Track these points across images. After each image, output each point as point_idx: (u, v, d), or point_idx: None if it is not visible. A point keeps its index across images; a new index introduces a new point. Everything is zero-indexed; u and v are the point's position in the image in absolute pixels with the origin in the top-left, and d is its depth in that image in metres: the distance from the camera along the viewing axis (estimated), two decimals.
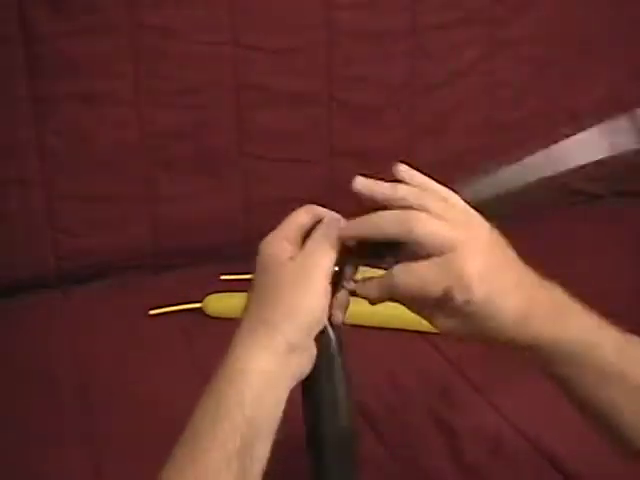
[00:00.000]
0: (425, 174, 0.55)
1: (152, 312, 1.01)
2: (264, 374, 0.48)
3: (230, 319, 1.09)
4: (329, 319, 0.52)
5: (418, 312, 0.52)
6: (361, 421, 0.81)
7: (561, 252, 1.13)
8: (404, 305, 0.52)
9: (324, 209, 0.55)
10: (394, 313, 1.00)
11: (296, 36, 1.12)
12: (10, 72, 1.00)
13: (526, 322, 0.48)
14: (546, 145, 0.57)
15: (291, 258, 0.51)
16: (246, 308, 0.51)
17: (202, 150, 1.12)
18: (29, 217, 1.06)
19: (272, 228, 0.55)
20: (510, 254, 0.50)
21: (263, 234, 1.29)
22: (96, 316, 1.02)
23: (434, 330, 0.99)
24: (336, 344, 0.54)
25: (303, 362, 0.51)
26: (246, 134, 1.14)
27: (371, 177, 0.52)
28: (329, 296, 0.51)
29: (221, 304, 1.01)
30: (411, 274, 0.48)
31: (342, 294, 0.53)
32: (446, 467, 0.75)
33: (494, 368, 0.91)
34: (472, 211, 0.51)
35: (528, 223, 1.26)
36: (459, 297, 0.47)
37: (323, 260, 0.50)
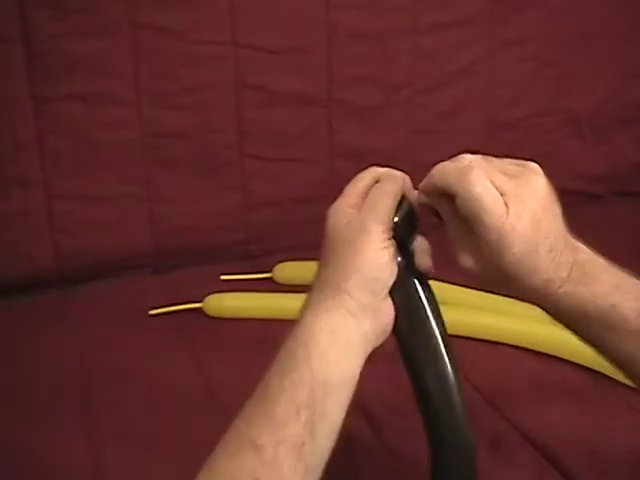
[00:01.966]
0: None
1: (152, 312, 1.01)
2: (330, 333, 0.49)
3: (230, 319, 1.10)
4: (413, 268, 0.54)
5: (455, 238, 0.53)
6: (361, 422, 0.81)
7: None
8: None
9: (385, 168, 0.56)
10: None
11: (296, 36, 1.12)
12: (10, 72, 1.00)
13: (549, 285, 0.50)
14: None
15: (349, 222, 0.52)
16: (315, 275, 0.53)
17: (202, 150, 1.12)
18: (29, 217, 1.06)
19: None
20: (551, 219, 0.51)
21: (263, 234, 1.29)
22: (96, 316, 1.02)
23: None
24: (423, 292, 0.55)
25: (376, 324, 0.52)
26: (246, 134, 1.14)
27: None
28: (392, 249, 0.52)
29: (221, 304, 1.01)
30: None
31: (419, 240, 0.55)
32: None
33: (494, 368, 0.91)
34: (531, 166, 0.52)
35: None
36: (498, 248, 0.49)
37: (377, 214, 0.51)
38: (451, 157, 0.55)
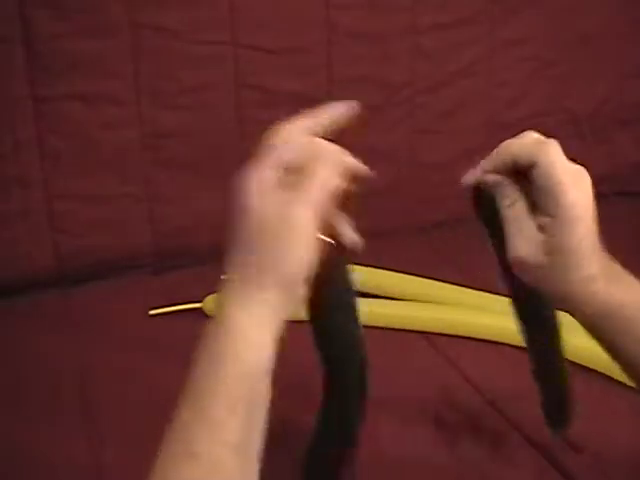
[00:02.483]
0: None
1: (152, 312, 1.01)
2: (258, 325, 0.48)
3: None
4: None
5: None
6: None
7: None
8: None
9: (317, 140, 0.50)
10: (394, 313, 1.00)
11: (296, 36, 1.12)
12: (10, 72, 1.00)
13: (594, 284, 0.51)
14: None
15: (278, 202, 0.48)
16: (234, 257, 0.49)
17: (202, 150, 1.12)
18: (29, 217, 1.06)
19: None
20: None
21: None
22: (96, 316, 1.02)
23: (434, 330, 0.98)
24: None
25: (293, 303, 0.50)
26: (246, 134, 1.14)
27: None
28: (318, 241, 0.49)
29: None
30: None
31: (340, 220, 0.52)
32: (446, 467, 0.75)
33: (494, 368, 0.91)
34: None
35: None
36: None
37: (314, 212, 0.47)
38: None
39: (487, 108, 1.27)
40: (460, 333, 0.96)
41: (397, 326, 0.98)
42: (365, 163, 0.55)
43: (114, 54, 1.04)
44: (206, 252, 1.15)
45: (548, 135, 0.57)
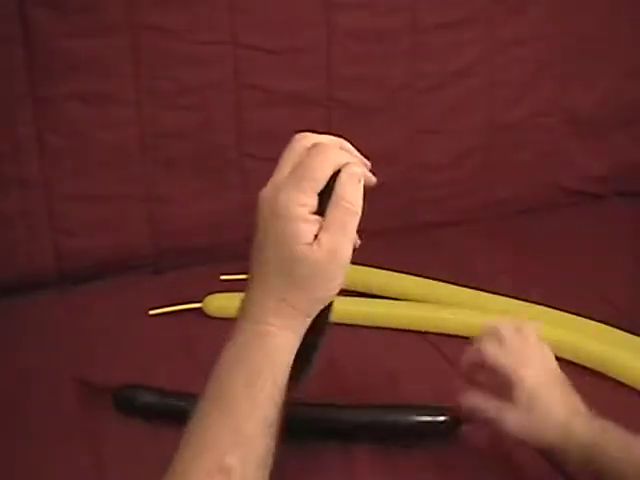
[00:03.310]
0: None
1: (152, 312, 1.01)
2: (290, 348, 0.52)
3: (230, 319, 1.09)
4: None
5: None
6: None
7: (561, 252, 1.13)
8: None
9: (342, 155, 0.58)
10: (394, 313, 1.00)
11: (296, 36, 1.13)
12: (10, 72, 1.00)
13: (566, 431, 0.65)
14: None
15: (315, 238, 0.51)
16: (263, 277, 0.57)
17: (202, 150, 1.12)
18: (29, 217, 1.06)
19: None
20: (564, 390, 0.69)
21: None
22: (96, 316, 1.02)
23: (434, 330, 0.98)
24: None
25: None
26: (246, 134, 1.14)
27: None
28: None
29: (221, 304, 1.01)
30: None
31: None
32: (446, 467, 0.75)
33: None
34: (539, 347, 0.70)
35: (528, 222, 1.26)
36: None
37: (350, 241, 0.52)
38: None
39: (487, 108, 1.27)
40: (460, 333, 0.96)
41: (397, 326, 0.98)
42: None
43: (114, 54, 1.04)
44: (206, 252, 1.16)
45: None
